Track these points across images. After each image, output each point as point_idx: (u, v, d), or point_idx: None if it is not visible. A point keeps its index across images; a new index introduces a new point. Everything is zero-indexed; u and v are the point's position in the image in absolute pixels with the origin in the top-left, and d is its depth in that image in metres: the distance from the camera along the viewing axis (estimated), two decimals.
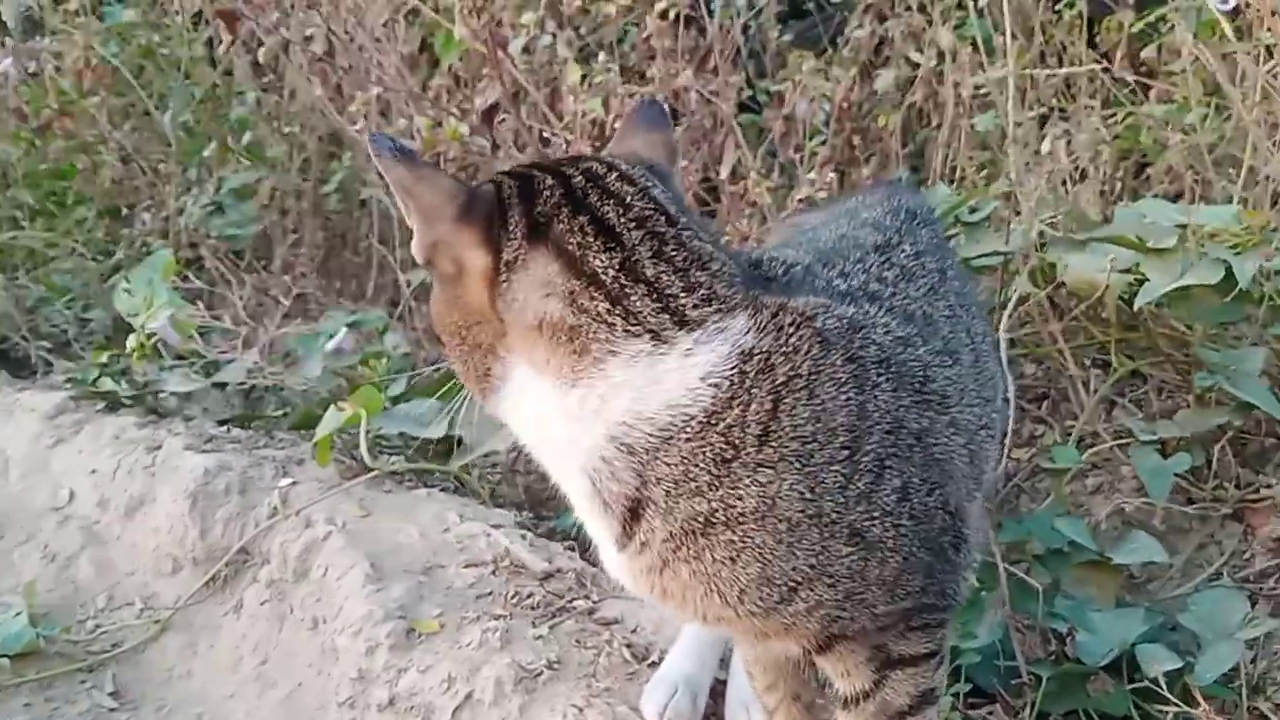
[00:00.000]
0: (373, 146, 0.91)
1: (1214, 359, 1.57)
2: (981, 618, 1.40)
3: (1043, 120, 2.31)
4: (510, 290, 0.88)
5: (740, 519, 0.85)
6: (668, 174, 0.96)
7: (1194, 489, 1.62)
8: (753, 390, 0.85)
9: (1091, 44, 2.52)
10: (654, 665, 1.25)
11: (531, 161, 1.03)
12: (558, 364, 0.87)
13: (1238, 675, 1.30)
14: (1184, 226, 1.45)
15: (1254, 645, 1.37)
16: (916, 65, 2.25)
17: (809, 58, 2.13)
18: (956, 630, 1.38)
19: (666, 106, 1.31)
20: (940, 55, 2.19)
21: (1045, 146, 1.57)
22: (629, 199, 0.90)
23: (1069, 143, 2.02)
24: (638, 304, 0.86)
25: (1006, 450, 1.52)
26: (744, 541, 0.86)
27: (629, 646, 1.27)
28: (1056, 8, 2.50)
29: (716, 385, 0.85)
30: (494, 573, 1.39)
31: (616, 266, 0.87)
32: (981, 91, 1.95)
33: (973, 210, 1.61)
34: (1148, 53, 2.22)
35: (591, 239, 0.87)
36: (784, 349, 0.86)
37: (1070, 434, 1.65)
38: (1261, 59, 1.78)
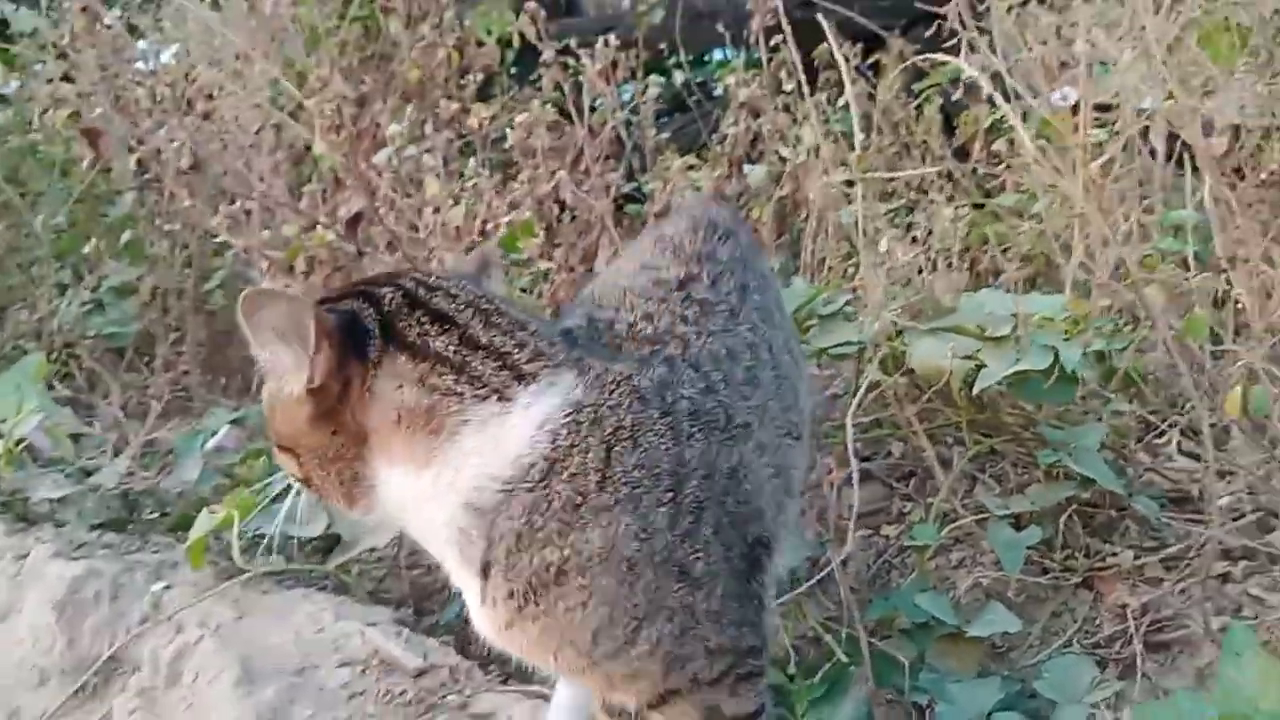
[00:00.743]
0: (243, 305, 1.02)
1: (1056, 436, 1.72)
2: (847, 694, 1.49)
3: (909, 209, 2.51)
4: (372, 395, 0.98)
5: (589, 563, 0.95)
6: (478, 277, 1.11)
7: (1047, 560, 1.75)
8: (588, 439, 0.97)
9: (950, 133, 2.75)
10: None
11: (361, 279, 1.15)
12: (415, 451, 0.98)
13: None
14: (1016, 315, 1.60)
15: (1107, 706, 1.49)
16: (785, 160, 2.42)
17: (675, 157, 2.28)
18: (823, 708, 1.47)
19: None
20: (807, 151, 2.36)
21: (883, 246, 1.71)
22: (454, 290, 1.04)
23: (929, 233, 2.20)
24: (479, 367, 0.99)
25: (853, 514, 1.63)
26: (593, 585, 0.96)
27: None
28: (916, 103, 2.73)
29: (554, 433, 0.97)
30: (364, 671, 1.44)
31: (456, 342, 0.99)
32: (844, 184, 2.11)
33: (827, 303, 1.74)
34: (999, 145, 2.43)
35: (430, 326, 1.00)
36: (609, 403, 0.98)
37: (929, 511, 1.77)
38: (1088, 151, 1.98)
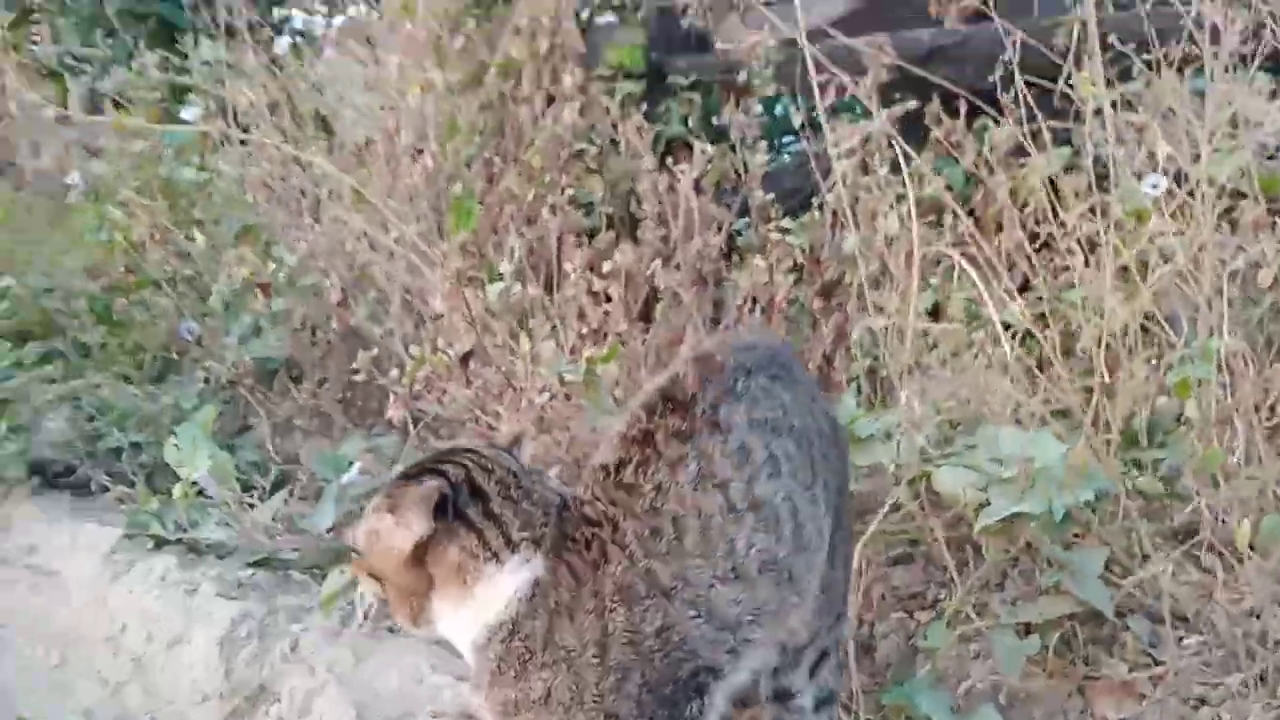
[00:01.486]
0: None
1: (1060, 557, 2.00)
2: None
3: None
4: (443, 555, 1.37)
5: (534, 703, 1.32)
6: (511, 448, 1.47)
7: (1046, 666, 2.04)
8: (537, 610, 1.33)
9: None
10: None
11: (430, 458, 1.49)
12: (453, 593, 1.36)
13: None
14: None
15: None
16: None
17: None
18: None
19: None
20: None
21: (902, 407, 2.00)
22: (489, 465, 1.40)
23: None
24: (490, 536, 1.35)
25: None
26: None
27: None
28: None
29: (520, 601, 1.34)
30: None
31: (481, 514, 1.36)
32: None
33: (867, 425, 2.06)
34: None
35: (470, 498, 1.36)
36: (554, 582, 1.34)
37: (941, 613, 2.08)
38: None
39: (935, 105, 2.87)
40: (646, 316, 2.80)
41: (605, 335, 2.22)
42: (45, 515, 2.76)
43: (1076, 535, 2.07)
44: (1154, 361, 2.27)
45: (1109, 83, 2.48)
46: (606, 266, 2.26)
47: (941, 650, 2.03)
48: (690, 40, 4.38)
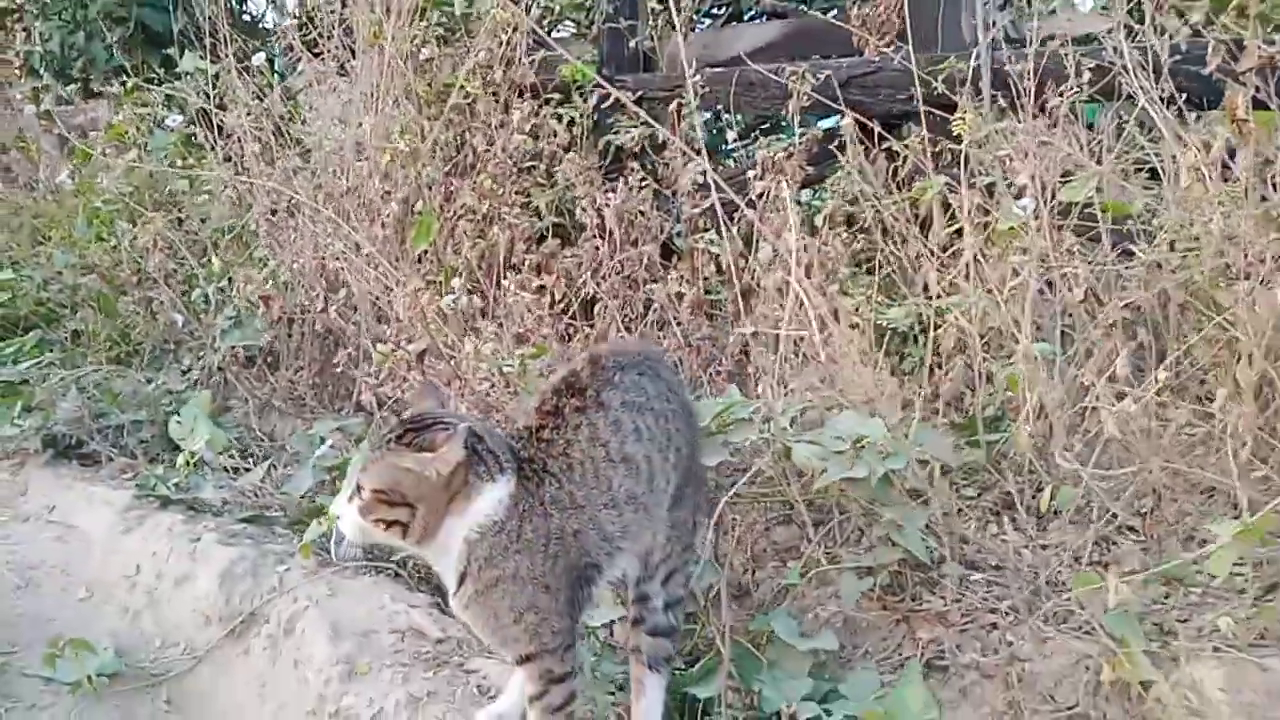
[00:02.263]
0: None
1: (888, 514, 2.63)
2: (713, 678, 2.47)
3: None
4: (461, 475, 1.94)
5: (508, 577, 1.93)
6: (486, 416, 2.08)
7: (882, 601, 2.67)
8: (512, 514, 1.93)
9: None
10: (493, 698, 2.33)
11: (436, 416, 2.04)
12: (460, 506, 1.93)
13: None
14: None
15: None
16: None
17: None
18: (696, 685, 2.45)
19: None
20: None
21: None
22: (478, 419, 2.02)
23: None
24: (490, 464, 1.94)
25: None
26: (506, 590, 1.93)
27: (479, 687, 2.35)
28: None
29: (503, 507, 1.93)
30: (405, 637, 2.48)
31: (483, 449, 1.95)
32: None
33: (738, 410, 2.68)
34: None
35: (476, 440, 1.95)
36: (521, 494, 1.94)
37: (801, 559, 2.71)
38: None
39: (850, 126, 3.44)
40: (589, 315, 3.44)
41: (541, 334, 2.83)
42: (60, 481, 3.36)
43: (914, 497, 2.70)
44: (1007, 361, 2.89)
45: (1002, 113, 3.08)
46: (542, 278, 2.87)
47: (798, 588, 2.66)
48: (638, 60, 5.00)
